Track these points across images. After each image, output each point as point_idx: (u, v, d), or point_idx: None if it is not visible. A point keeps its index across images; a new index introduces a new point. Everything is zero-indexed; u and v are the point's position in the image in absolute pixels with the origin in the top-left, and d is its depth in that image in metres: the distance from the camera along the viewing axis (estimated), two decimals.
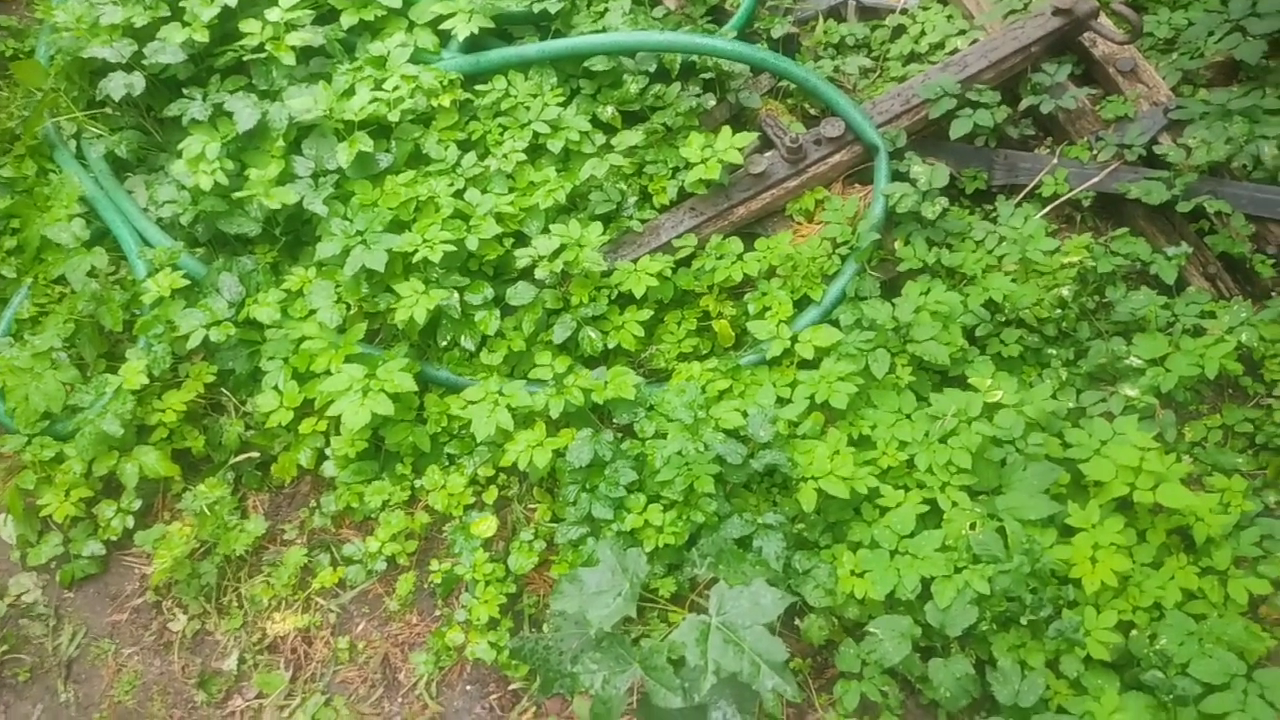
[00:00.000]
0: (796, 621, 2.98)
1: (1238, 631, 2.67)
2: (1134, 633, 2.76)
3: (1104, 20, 3.76)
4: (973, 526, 2.89)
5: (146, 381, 3.38)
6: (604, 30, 3.82)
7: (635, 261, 3.52)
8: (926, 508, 2.98)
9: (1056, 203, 3.58)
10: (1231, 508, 2.93)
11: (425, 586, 3.29)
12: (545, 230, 3.49)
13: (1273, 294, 3.39)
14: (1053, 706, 2.70)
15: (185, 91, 3.73)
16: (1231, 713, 2.52)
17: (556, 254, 3.41)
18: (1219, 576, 2.84)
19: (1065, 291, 3.34)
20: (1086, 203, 3.58)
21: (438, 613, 3.25)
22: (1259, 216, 3.38)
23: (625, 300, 3.51)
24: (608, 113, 3.73)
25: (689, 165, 3.59)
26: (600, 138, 3.70)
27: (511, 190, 3.60)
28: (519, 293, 3.45)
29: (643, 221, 3.67)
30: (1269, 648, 2.76)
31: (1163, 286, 3.35)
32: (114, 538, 3.44)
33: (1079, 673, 2.71)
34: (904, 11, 4.20)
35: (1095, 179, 3.56)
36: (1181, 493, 2.83)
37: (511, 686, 3.06)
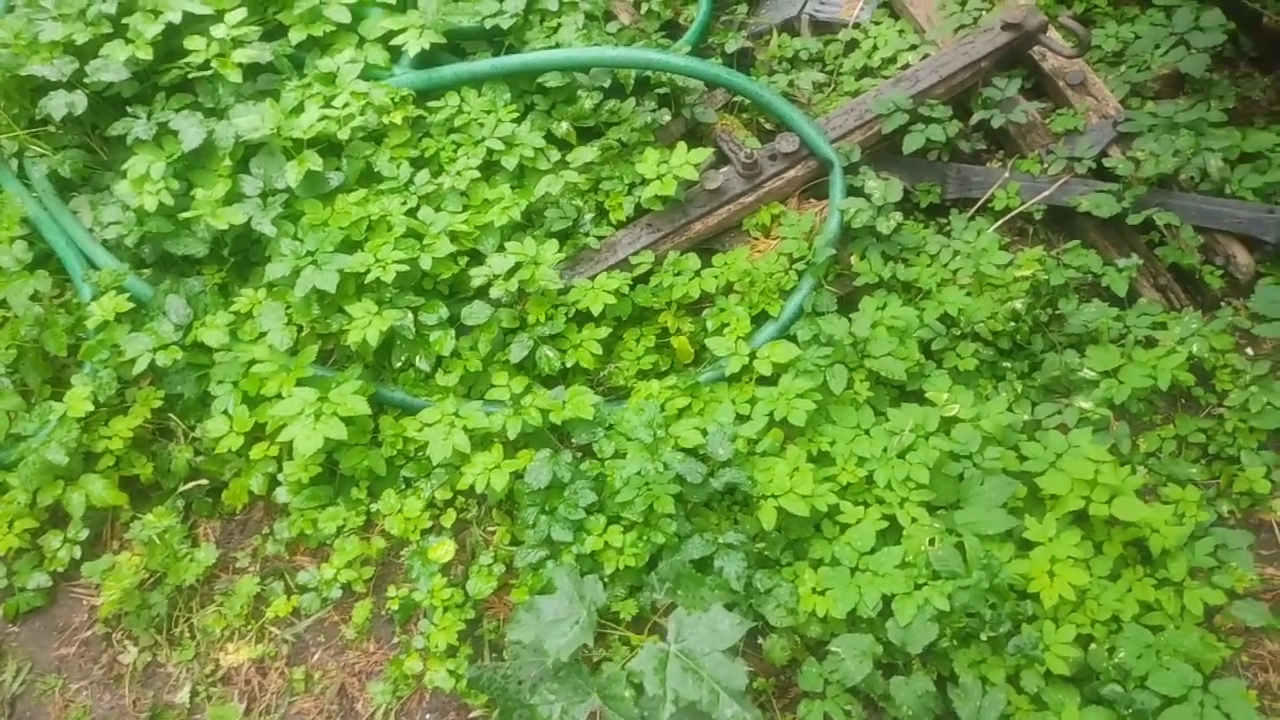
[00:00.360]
0: (759, 641, 2.97)
1: (1194, 643, 2.70)
2: (1093, 646, 2.77)
3: (1053, 34, 3.80)
4: (932, 542, 2.89)
5: (92, 408, 3.30)
6: (557, 46, 3.79)
7: (592, 279, 3.50)
8: (886, 524, 2.98)
9: (1008, 216, 3.61)
10: (1186, 519, 2.96)
11: (382, 613, 3.23)
12: (500, 248, 3.46)
13: (1222, 304, 3.44)
14: None
15: (129, 110, 3.64)
16: None
17: (512, 272, 3.37)
18: (1175, 588, 2.86)
19: (1019, 304, 3.37)
20: (1038, 216, 3.61)
21: (395, 640, 3.20)
22: (1207, 228, 3.44)
23: (583, 318, 3.48)
24: (562, 129, 3.71)
25: (645, 181, 3.58)
26: (555, 154, 3.68)
27: (466, 208, 3.56)
28: (474, 312, 3.40)
29: (599, 238, 3.64)
30: (1224, 657, 2.80)
31: (1114, 298, 3.39)
32: (61, 569, 3.35)
33: (1039, 688, 2.71)
34: (856, 26, 4.22)
35: (1046, 192, 3.59)
36: (1137, 506, 2.85)
37: (472, 715, 3.01)
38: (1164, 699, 2.61)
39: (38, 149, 3.78)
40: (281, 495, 3.33)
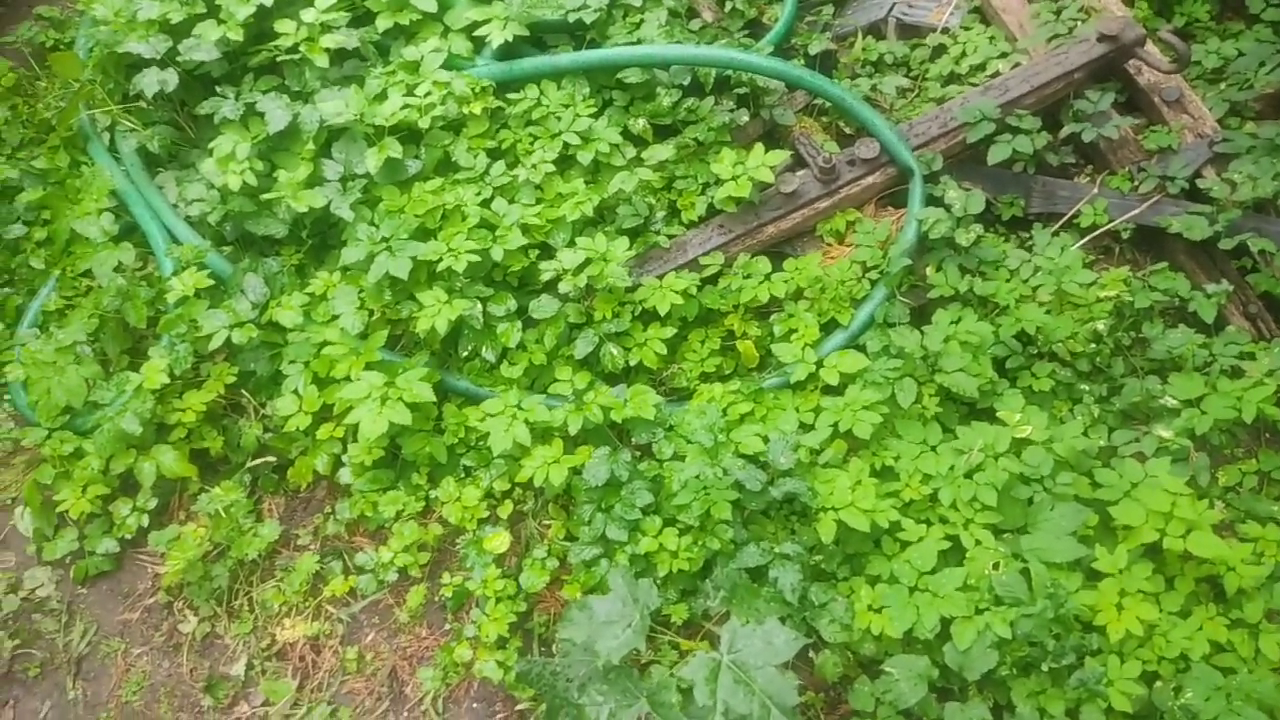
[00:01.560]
0: (810, 654, 2.92)
1: (1268, 689, 2.58)
2: (1158, 684, 2.67)
3: (1150, 48, 3.67)
4: (996, 566, 2.82)
5: (167, 380, 3.38)
6: (639, 41, 3.77)
7: (661, 278, 3.48)
8: (949, 544, 2.91)
9: (1095, 233, 3.50)
10: (1265, 558, 2.84)
11: (436, 600, 3.26)
12: (571, 243, 3.46)
13: None
14: None
15: (218, 89, 3.72)
16: None
17: (581, 268, 3.37)
18: (1250, 630, 2.75)
19: (1101, 326, 3.26)
20: (1126, 235, 3.49)
21: (447, 627, 3.22)
22: None
23: (649, 317, 3.46)
24: (639, 125, 3.69)
25: (719, 181, 3.54)
26: (630, 150, 3.66)
27: (539, 201, 3.56)
28: (542, 305, 3.41)
29: (670, 237, 3.62)
30: None
31: (1201, 325, 3.26)
32: (128, 536, 3.44)
33: None
34: (945, 31, 4.12)
35: (1135, 211, 3.47)
36: (1213, 542, 2.74)
37: (518, 707, 3.02)
38: None
39: (129, 124, 3.89)
40: (345, 476, 3.37)
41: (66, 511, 3.37)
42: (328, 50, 3.64)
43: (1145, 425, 3.16)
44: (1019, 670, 2.71)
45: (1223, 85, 3.78)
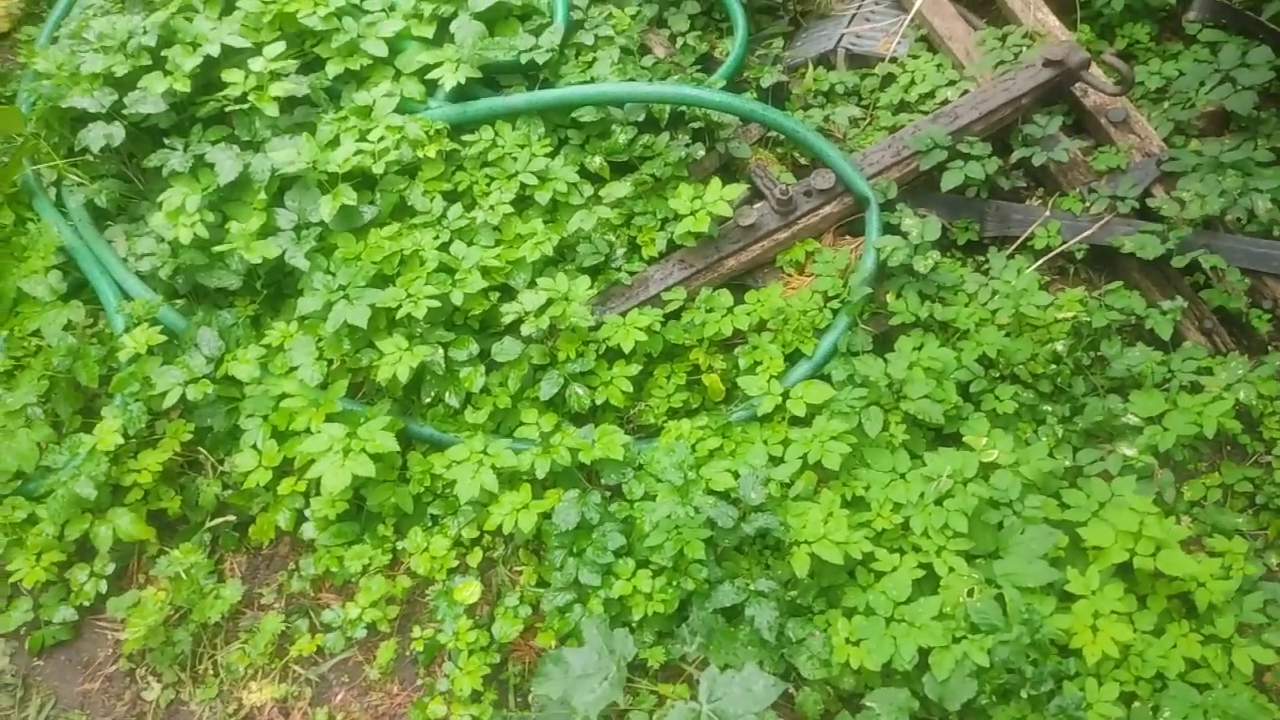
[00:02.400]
0: (791, 692, 2.89)
1: (1244, 704, 2.60)
2: (1136, 705, 2.68)
3: (1095, 71, 3.74)
4: (970, 593, 2.81)
5: (121, 441, 3.29)
6: (592, 80, 3.78)
7: (624, 315, 3.46)
8: (922, 573, 2.91)
9: (1049, 255, 3.54)
10: (1233, 572, 2.86)
11: (407, 654, 3.19)
12: (532, 284, 3.43)
13: (1269, 349, 3.34)
14: None
15: (167, 141, 3.67)
16: None
17: (544, 308, 3.34)
18: (1223, 645, 2.76)
19: (1060, 346, 3.29)
20: (1079, 255, 3.54)
21: (419, 682, 3.15)
22: (1254, 271, 3.35)
23: (613, 355, 3.43)
24: (596, 163, 3.68)
25: (678, 217, 3.54)
26: (588, 189, 3.65)
27: (498, 243, 3.54)
28: (505, 348, 3.38)
29: (631, 274, 3.61)
30: (1276, 719, 2.69)
31: (1158, 342, 3.30)
32: (86, 603, 3.32)
33: None
34: (893, 60, 4.18)
35: (1088, 231, 3.52)
36: (1183, 560, 2.76)
37: None
38: None
39: (75, 178, 3.81)
40: (308, 531, 3.30)
41: (20, 581, 3.26)
42: (277, 98, 3.60)
43: (1109, 444, 3.18)
44: (999, 698, 2.70)
45: (1166, 104, 3.86)
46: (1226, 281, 3.34)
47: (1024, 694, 2.65)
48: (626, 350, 3.37)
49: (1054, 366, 3.31)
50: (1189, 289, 3.45)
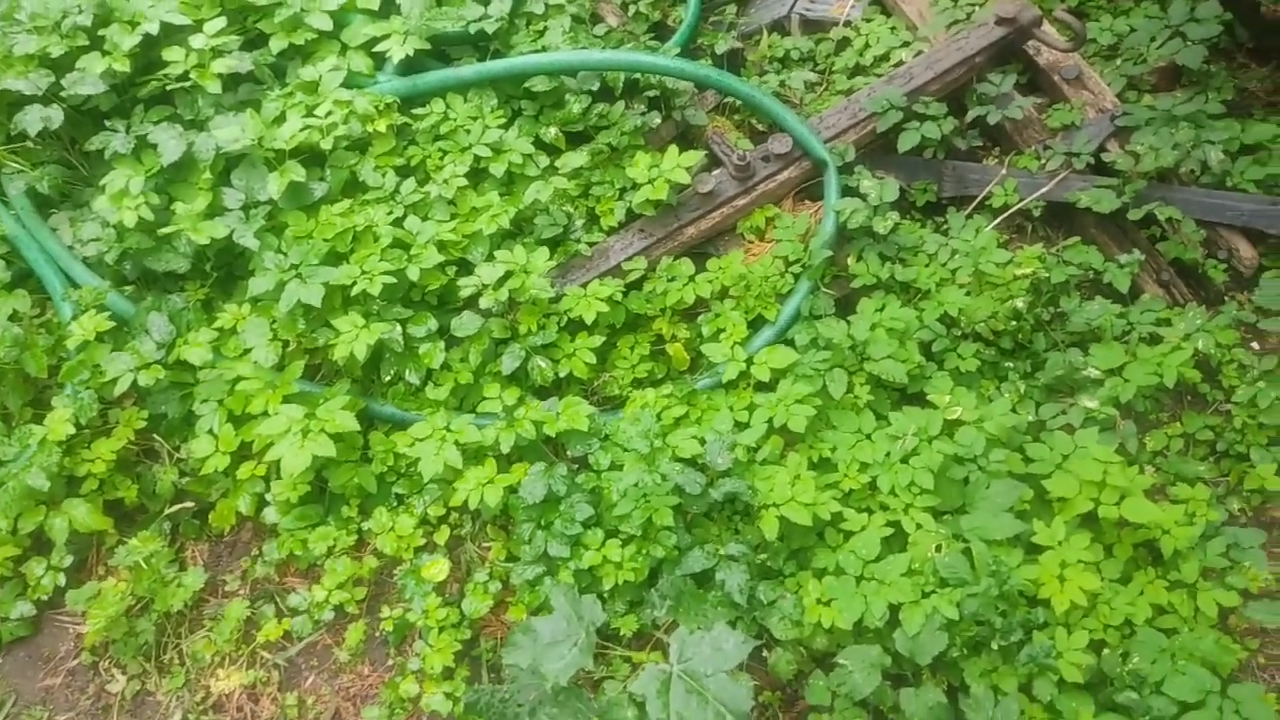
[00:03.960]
0: (764, 654, 2.89)
1: (1210, 646, 2.63)
2: (1106, 652, 2.70)
3: (1048, 28, 3.75)
4: (938, 549, 2.82)
5: (74, 430, 3.21)
6: (544, 49, 3.72)
7: (584, 286, 3.42)
8: (891, 530, 2.91)
9: (1007, 213, 3.55)
10: (1197, 518, 2.89)
11: (376, 635, 3.15)
12: (490, 257, 3.38)
13: (1226, 299, 3.38)
14: None
15: (108, 123, 3.56)
16: None
17: (502, 281, 3.30)
18: (1188, 590, 2.79)
19: (1020, 303, 3.30)
20: (1037, 212, 3.55)
21: (390, 662, 3.11)
22: (1209, 222, 3.38)
23: (575, 327, 3.40)
24: (551, 134, 3.64)
25: (636, 186, 3.51)
26: (544, 160, 3.61)
27: (453, 217, 3.48)
28: (464, 323, 3.33)
29: (591, 245, 3.57)
30: (1241, 660, 2.72)
31: (1117, 295, 3.33)
32: (45, 597, 3.25)
33: (1053, 696, 2.63)
34: (847, 24, 4.16)
35: (1045, 188, 3.53)
36: (1147, 507, 2.79)
37: None
38: (1181, 704, 2.54)
39: (15, 165, 3.69)
40: (270, 515, 3.24)
41: None
42: (220, 76, 3.51)
43: (1071, 397, 3.20)
44: (969, 650, 2.71)
45: (1118, 61, 3.88)
46: (1182, 233, 3.36)
47: (994, 645, 2.67)
48: (589, 322, 3.33)
49: (1014, 323, 3.32)
50: (1145, 242, 3.47)
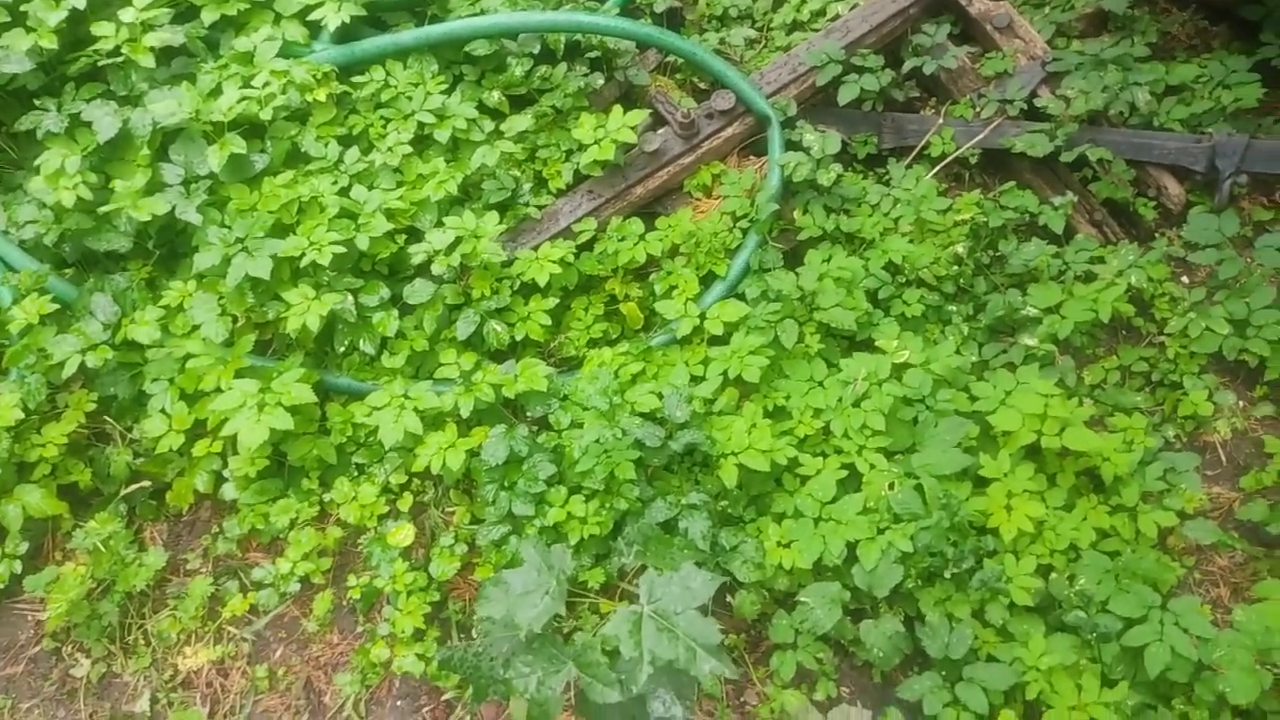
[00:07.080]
0: (728, 598, 2.96)
1: (1150, 565, 2.76)
2: (1053, 576, 2.82)
3: None
4: (891, 487, 2.91)
5: (22, 416, 3.15)
6: (482, 13, 3.70)
7: (536, 249, 3.44)
8: (845, 472, 3.00)
9: (945, 162, 3.63)
10: (1135, 445, 3.03)
11: (344, 604, 3.16)
12: (439, 223, 3.38)
13: (1156, 235, 3.50)
14: (982, 655, 2.75)
15: (38, 103, 3.47)
16: (1151, 643, 2.59)
17: (453, 247, 3.30)
18: (1129, 513, 2.92)
19: (960, 249, 3.40)
20: (974, 160, 3.64)
21: (360, 629, 3.13)
22: (1138, 161, 3.49)
23: (529, 290, 3.42)
24: (494, 98, 3.63)
25: (582, 147, 3.52)
26: (489, 124, 3.60)
27: (400, 184, 3.47)
28: (417, 290, 3.33)
29: (540, 208, 3.58)
30: (1179, 576, 2.87)
31: (1052, 236, 3.43)
32: (1, 585, 3.20)
33: (1005, 620, 2.76)
34: None
35: (980, 135, 3.62)
36: (1087, 435, 2.90)
37: (444, 697, 2.96)
38: (1126, 620, 2.67)
39: None
40: (229, 492, 3.23)
41: None
42: (153, 49, 3.43)
43: (1012, 336, 3.31)
44: (924, 581, 2.81)
45: (1047, 9, 3.97)
46: (1113, 173, 3.48)
47: (947, 574, 2.77)
48: (542, 284, 3.36)
49: (956, 268, 3.41)
50: (1078, 184, 3.58)
